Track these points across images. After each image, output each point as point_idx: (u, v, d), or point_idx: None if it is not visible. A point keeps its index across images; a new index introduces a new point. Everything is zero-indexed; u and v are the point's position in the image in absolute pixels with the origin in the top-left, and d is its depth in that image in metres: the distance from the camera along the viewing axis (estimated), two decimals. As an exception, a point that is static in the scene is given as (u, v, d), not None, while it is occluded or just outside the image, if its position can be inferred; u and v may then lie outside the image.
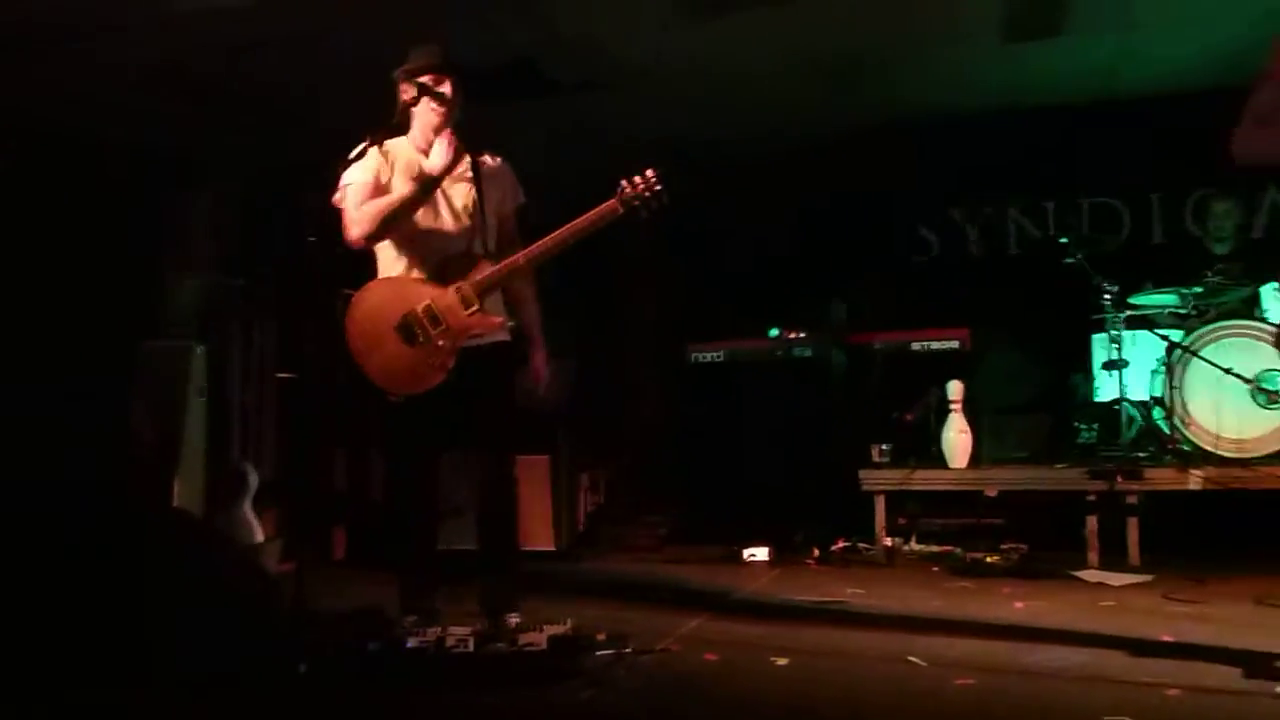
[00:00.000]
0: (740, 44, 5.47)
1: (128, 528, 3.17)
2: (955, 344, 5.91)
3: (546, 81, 5.69)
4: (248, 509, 5.09)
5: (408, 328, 3.38)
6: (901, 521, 5.60)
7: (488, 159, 3.63)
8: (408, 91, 3.47)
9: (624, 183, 3.34)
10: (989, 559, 4.93)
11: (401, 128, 3.55)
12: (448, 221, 3.52)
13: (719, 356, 6.20)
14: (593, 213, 3.34)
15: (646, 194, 3.33)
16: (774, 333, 6.08)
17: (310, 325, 4.91)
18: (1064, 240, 5.60)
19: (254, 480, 5.15)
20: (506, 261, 3.44)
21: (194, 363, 5.02)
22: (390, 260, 3.54)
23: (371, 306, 3.42)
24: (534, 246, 3.40)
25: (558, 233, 3.36)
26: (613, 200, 3.35)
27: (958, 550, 5.25)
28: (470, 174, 3.56)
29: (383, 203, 3.40)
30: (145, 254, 5.57)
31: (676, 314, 6.90)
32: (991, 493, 5.39)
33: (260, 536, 5.13)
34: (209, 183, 5.97)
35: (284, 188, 4.92)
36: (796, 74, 5.92)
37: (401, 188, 3.47)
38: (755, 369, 6.17)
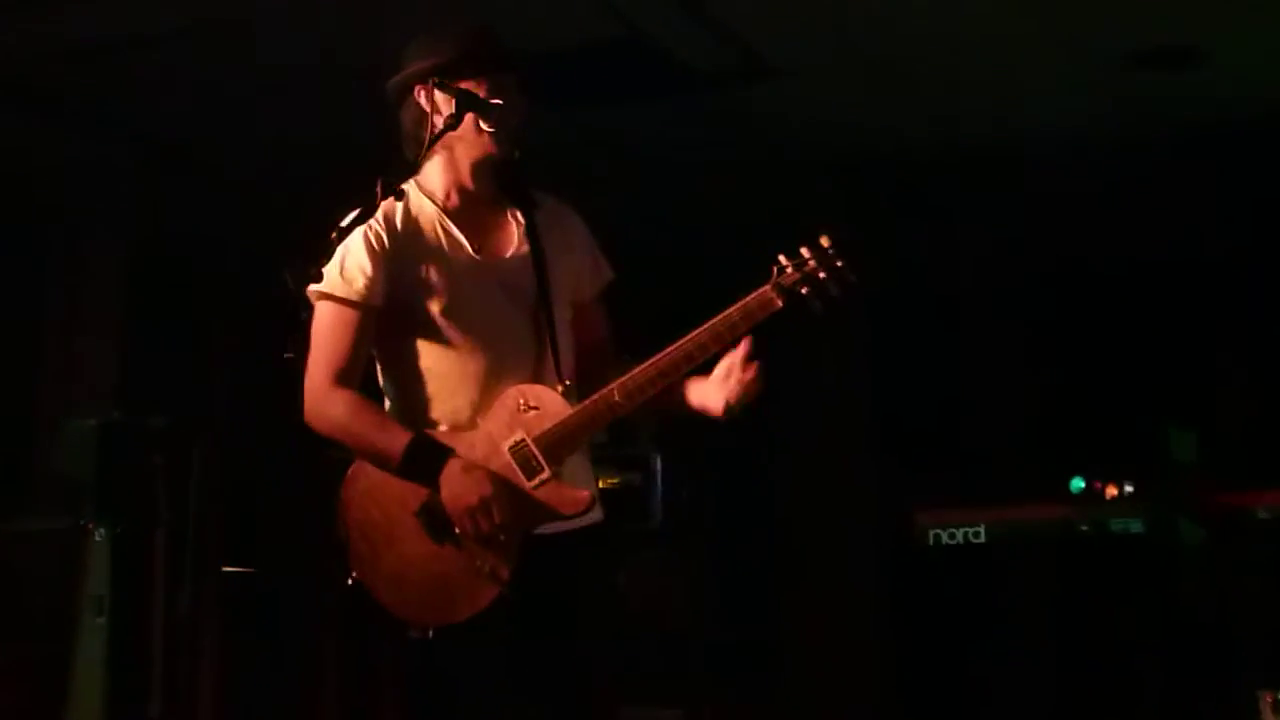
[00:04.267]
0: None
1: None
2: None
3: (667, 72, 4.45)
4: (172, 808, 3.73)
5: (435, 513, 2.51)
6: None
7: (549, 213, 2.66)
8: (440, 106, 2.53)
9: (782, 259, 2.55)
10: None
11: (416, 166, 2.61)
12: (496, 330, 2.56)
13: (977, 534, 4.73)
14: (734, 308, 2.52)
15: (820, 273, 2.50)
16: (1077, 486, 4.58)
17: (279, 492, 4.44)
18: None
19: (183, 755, 3.65)
20: (594, 398, 2.54)
21: (90, 558, 3.64)
22: (405, 396, 2.63)
23: (378, 480, 2.54)
24: (639, 369, 2.52)
25: (679, 344, 2.51)
26: (765, 286, 2.52)
27: None
28: (527, 245, 2.59)
29: (357, 433, 2.53)
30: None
31: (900, 467, 5.49)
32: None
33: None
34: (114, 263, 4.75)
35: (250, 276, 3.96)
36: (1100, 57, 4.32)
37: (440, 279, 2.52)
38: (1041, 552, 4.70)
